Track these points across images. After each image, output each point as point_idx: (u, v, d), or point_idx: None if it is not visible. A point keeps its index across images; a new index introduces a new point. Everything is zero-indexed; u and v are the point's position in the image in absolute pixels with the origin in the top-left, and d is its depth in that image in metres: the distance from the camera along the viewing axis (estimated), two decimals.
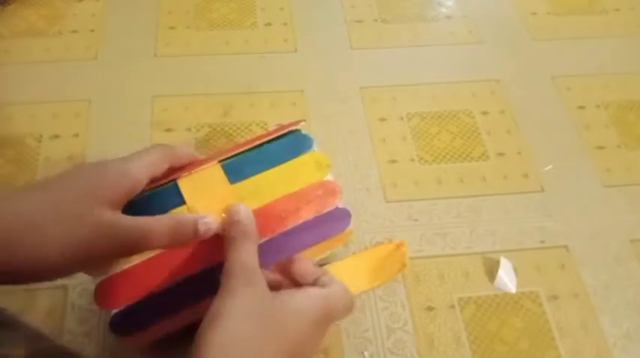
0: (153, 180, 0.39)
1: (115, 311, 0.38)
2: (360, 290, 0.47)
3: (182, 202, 0.40)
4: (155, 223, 0.35)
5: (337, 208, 0.43)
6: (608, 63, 0.66)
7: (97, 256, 0.33)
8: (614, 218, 0.54)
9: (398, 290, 0.48)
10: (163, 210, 0.40)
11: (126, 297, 0.38)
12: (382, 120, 0.59)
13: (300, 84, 0.61)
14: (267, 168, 0.43)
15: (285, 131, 0.46)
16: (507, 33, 0.68)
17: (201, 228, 0.36)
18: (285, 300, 0.34)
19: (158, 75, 0.61)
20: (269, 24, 0.67)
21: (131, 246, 0.34)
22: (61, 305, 0.46)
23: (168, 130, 0.57)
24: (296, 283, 0.38)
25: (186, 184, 0.41)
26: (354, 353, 0.45)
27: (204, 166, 0.42)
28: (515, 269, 0.50)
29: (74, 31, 0.64)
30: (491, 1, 0.72)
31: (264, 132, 0.47)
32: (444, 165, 0.56)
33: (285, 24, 0.67)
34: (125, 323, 0.38)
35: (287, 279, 0.39)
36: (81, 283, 0.46)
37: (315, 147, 0.45)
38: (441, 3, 0.71)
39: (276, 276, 0.39)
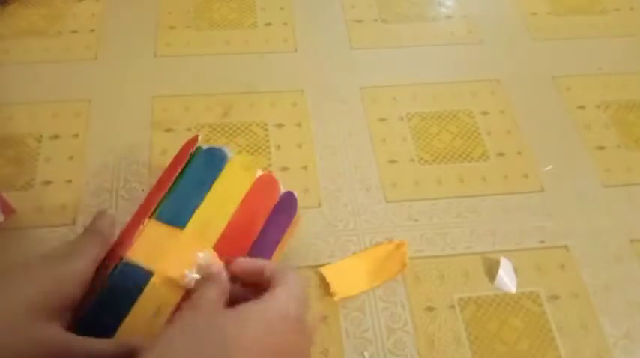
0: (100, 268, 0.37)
1: None
2: (360, 290, 0.47)
3: (148, 275, 0.36)
4: (102, 348, 0.33)
5: (283, 194, 0.43)
6: (608, 63, 0.66)
7: None
8: (614, 218, 0.54)
9: (398, 291, 0.48)
10: (133, 294, 0.36)
11: None
12: (382, 120, 0.59)
13: (300, 84, 0.61)
14: (203, 197, 0.40)
15: (191, 152, 0.43)
16: (507, 33, 0.68)
17: None
18: (228, 321, 0.31)
19: (158, 75, 0.61)
20: (269, 24, 0.67)
21: None
22: None
23: (168, 130, 0.57)
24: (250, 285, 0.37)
25: (138, 255, 0.37)
26: (354, 353, 0.45)
27: (140, 228, 0.38)
28: (515, 270, 0.50)
29: (74, 31, 0.64)
30: (491, 1, 0.72)
31: (171, 163, 0.43)
32: (444, 165, 0.56)
33: (285, 24, 0.67)
34: None
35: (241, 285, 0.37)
36: None
37: (228, 153, 0.43)
38: (441, 3, 0.71)
39: (233, 287, 0.36)
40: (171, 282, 0.36)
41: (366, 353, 0.45)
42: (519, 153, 0.58)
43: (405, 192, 0.54)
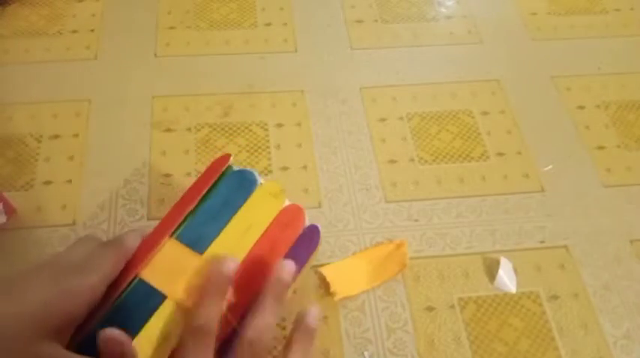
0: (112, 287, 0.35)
1: None
2: (361, 290, 0.48)
3: (161, 298, 0.35)
4: None
5: (308, 227, 0.41)
6: (608, 63, 0.66)
7: None
8: (614, 218, 0.54)
9: (398, 291, 0.48)
10: (143, 316, 0.35)
11: None
12: (382, 120, 0.59)
13: (300, 84, 0.61)
14: (227, 222, 0.39)
15: (221, 171, 0.41)
16: (507, 33, 0.68)
17: None
18: None
19: (158, 75, 0.61)
20: (269, 24, 0.67)
21: None
22: None
23: (168, 130, 0.57)
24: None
25: (153, 275, 0.36)
26: (354, 353, 0.45)
27: (160, 246, 0.37)
28: (515, 270, 0.50)
29: (74, 31, 0.64)
30: (491, 1, 0.72)
31: (199, 179, 0.42)
32: (444, 165, 0.56)
33: (285, 24, 0.67)
34: None
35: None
36: None
37: (259, 178, 0.41)
38: (440, 3, 0.71)
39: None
40: (184, 310, 0.35)
41: (366, 353, 0.45)
42: (519, 153, 0.58)
43: (404, 192, 0.54)
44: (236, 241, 0.38)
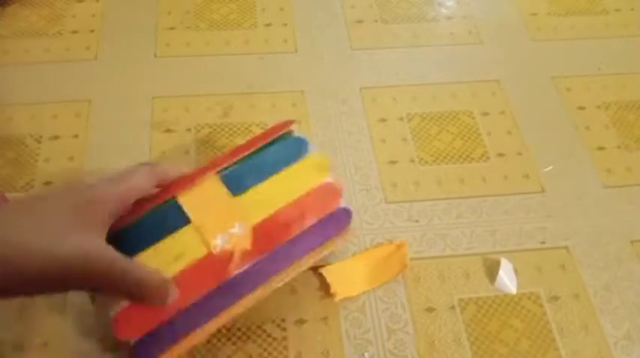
0: (144, 201, 0.38)
1: (134, 340, 0.37)
2: (361, 291, 0.47)
3: (186, 221, 0.39)
4: (138, 270, 0.35)
5: (339, 208, 0.43)
6: (608, 63, 0.66)
7: (73, 280, 0.32)
8: (615, 219, 0.54)
9: (398, 291, 0.48)
10: (166, 231, 0.38)
11: (144, 326, 0.37)
12: (382, 120, 0.59)
13: (300, 84, 0.61)
14: (267, 177, 0.42)
15: (280, 133, 0.45)
16: (507, 33, 0.68)
17: (169, 297, 0.36)
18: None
19: (158, 75, 0.61)
20: (269, 24, 0.67)
21: (106, 280, 0.33)
22: (60, 304, 0.45)
23: (168, 131, 0.57)
24: None
25: (187, 201, 0.39)
26: (355, 354, 0.45)
27: (203, 179, 0.41)
28: (515, 270, 0.49)
29: (74, 31, 0.64)
30: (491, 1, 0.72)
31: (258, 134, 0.46)
32: (445, 165, 0.56)
33: (285, 24, 0.67)
34: (149, 351, 0.37)
35: None
36: None
37: (311, 148, 0.44)
38: (441, 3, 0.71)
39: None
40: (202, 239, 0.38)
41: (366, 354, 0.45)
42: (520, 153, 0.58)
43: (405, 193, 0.54)
44: (269, 196, 0.41)
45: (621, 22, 0.70)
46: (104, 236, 0.34)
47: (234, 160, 0.43)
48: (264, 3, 0.69)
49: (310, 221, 0.41)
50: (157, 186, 0.39)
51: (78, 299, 0.46)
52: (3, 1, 0.65)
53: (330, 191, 0.43)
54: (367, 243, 0.50)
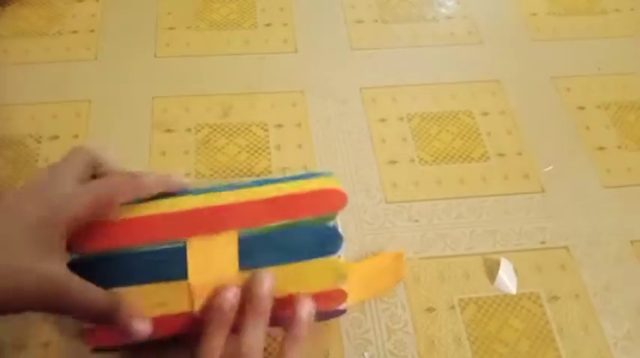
0: (153, 223, 0.35)
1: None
2: (354, 302, 0.46)
3: (184, 275, 0.36)
4: (97, 298, 0.32)
5: (337, 310, 0.42)
6: (608, 63, 0.66)
7: (24, 303, 0.30)
8: (615, 219, 0.54)
9: (398, 291, 0.48)
10: (162, 276, 0.36)
11: (112, 344, 0.37)
12: (382, 120, 0.59)
13: (300, 84, 0.61)
14: (283, 263, 0.37)
15: (323, 213, 0.38)
16: (507, 33, 0.68)
17: (134, 327, 0.34)
18: None
19: (158, 75, 0.61)
20: (269, 24, 0.67)
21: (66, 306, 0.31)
22: None
23: (169, 131, 0.57)
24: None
25: (195, 251, 0.36)
26: (355, 354, 0.45)
27: (222, 232, 0.36)
28: (515, 270, 0.49)
29: (74, 31, 0.64)
30: (491, 1, 0.72)
31: (306, 194, 0.38)
32: (444, 165, 0.56)
33: (285, 24, 0.67)
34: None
35: None
36: None
37: (341, 251, 0.39)
38: (441, 3, 0.71)
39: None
40: (189, 298, 0.36)
41: (366, 354, 0.45)
42: (520, 153, 0.58)
43: (405, 193, 0.54)
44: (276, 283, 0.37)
45: (621, 22, 0.70)
46: (62, 253, 0.31)
47: (263, 222, 0.37)
48: (264, 3, 0.69)
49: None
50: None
51: None
52: (3, 1, 0.65)
53: (336, 298, 0.40)
54: (367, 243, 0.50)
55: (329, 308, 0.41)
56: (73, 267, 0.32)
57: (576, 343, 0.46)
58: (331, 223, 0.39)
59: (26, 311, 0.30)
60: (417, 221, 0.52)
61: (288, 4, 0.69)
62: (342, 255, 0.39)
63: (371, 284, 0.48)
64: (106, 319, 0.33)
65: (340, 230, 0.39)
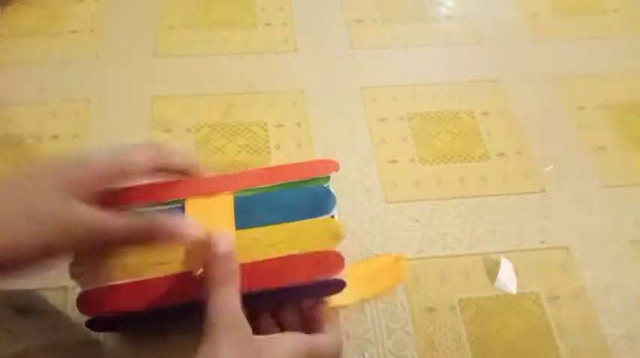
0: (149, 189, 0.37)
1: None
2: (353, 302, 0.46)
3: None
4: (131, 224, 0.33)
5: (335, 279, 0.40)
6: (608, 63, 0.66)
7: (67, 245, 0.32)
8: (615, 219, 0.54)
9: (398, 291, 0.48)
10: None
11: (108, 310, 0.37)
12: (382, 120, 0.59)
13: (300, 84, 0.61)
14: (278, 222, 0.39)
15: (313, 177, 0.41)
16: (508, 33, 0.68)
17: (182, 227, 0.34)
18: (268, 346, 0.33)
19: (158, 75, 0.61)
20: (269, 24, 0.67)
21: (101, 240, 0.32)
22: (61, 305, 0.45)
23: (168, 130, 0.57)
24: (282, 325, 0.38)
25: (192, 210, 0.38)
26: (355, 354, 0.45)
27: (219, 194, 0.39)
28: (515, 270, 0.49)
29: (74, 31, 0.64)
30: (491, 1, 0.72)
31: (301, 163, 0.42)
32: (445, 165, 0.56)
33: (285, 24, 0.67)
34: (99, 323, 0.38)
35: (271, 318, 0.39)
36: None
37: (335, 211, 0.40)
38: (441, 3, 0.71)
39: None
40: (190, 255, 0.37)
41: (366, 354, 0.45)
42: (520, 153, 0.58)
43: (405, 193, 0.54)
44: (270, 242, 0.38)
45: (621, 21, 0.70)
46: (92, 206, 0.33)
47: (259, 185, 0.40)
48: (264, 3, 0.69)
49: (303, 279, 0.39)
50: (159, 170, 0.37)
51: None
52: (3, 1, 0.65)
53: (334, 261, 0.40)
54: (367, 243, 0.50)
55: (328, 275, 0.40)
56: None
57: (576, 342, 0.46)
58: (324, 184, 0.41)
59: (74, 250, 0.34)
60: (417, 221, 0.52)
61: (288, 4, 0.69)
62: (336, 216, 0.40)
63: (371, 284, 0.48)
64: (150, 235, 0.34)
65: (333, 191, 0.41)
